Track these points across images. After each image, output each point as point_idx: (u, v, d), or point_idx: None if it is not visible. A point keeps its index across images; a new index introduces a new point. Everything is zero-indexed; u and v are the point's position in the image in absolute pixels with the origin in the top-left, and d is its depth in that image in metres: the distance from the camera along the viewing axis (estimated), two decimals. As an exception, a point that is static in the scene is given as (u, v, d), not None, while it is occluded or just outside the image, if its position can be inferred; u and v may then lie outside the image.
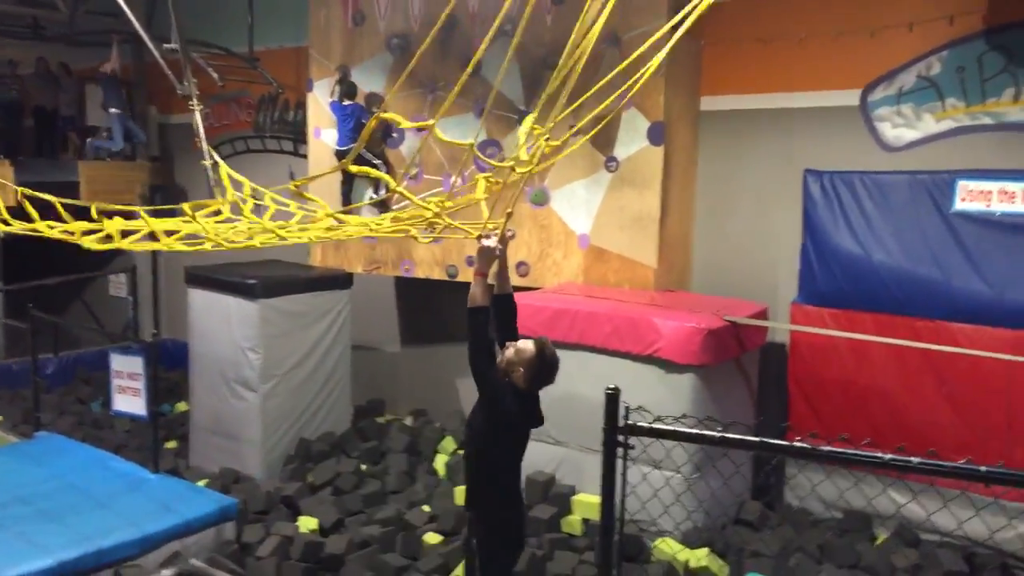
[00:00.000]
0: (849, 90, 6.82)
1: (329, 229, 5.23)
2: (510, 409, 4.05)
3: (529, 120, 4.13)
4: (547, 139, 4.14)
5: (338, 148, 8.34)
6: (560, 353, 6.61)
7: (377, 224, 5.48)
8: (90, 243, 4.47)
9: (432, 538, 6.37)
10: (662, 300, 6.82)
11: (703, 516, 6.18)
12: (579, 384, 6.60)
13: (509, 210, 4.32)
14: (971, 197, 6.14)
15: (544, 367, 4.01)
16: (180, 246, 4.62)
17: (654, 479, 6.26)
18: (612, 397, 2.59)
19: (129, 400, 6.81)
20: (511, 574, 4.27)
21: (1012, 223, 5.96)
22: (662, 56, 3.82)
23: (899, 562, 5.70)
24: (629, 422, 2.75)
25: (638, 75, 3.91)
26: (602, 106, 4.15)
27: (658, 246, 7.23)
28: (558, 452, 6.80)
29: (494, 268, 4.31)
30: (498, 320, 4.26)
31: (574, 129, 5.05)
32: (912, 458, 2.42)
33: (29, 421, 8.69)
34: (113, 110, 10.66)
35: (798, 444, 2.67)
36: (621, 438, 2.69)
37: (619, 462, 2.88)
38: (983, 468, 2.40)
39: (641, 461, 6.27)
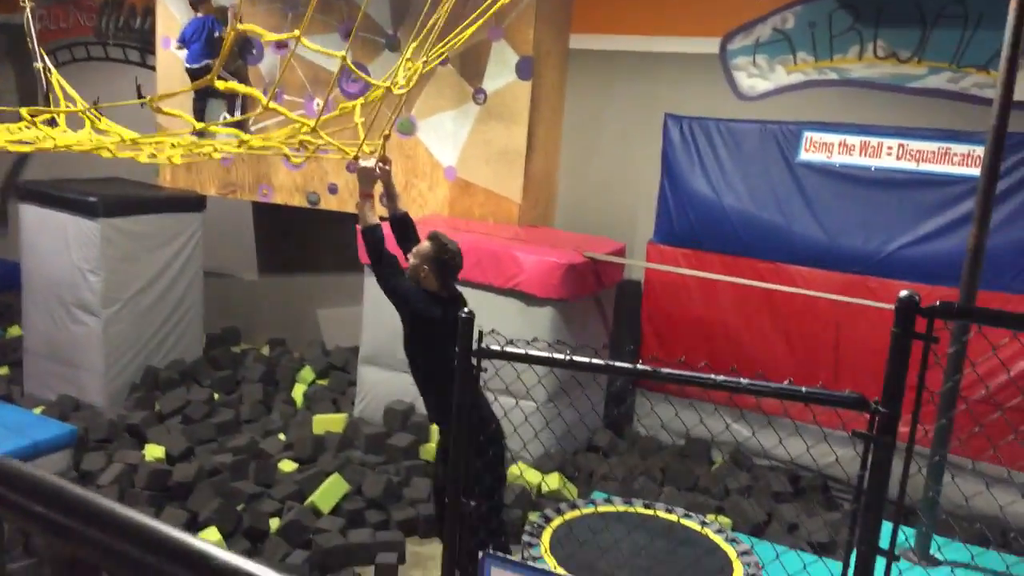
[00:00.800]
0: (710, 37, 7.04)
1: (192, 145, 4.95)
2: (435, 316, 4.03)
3: (411, 48, 4.04)
4: (421, 65, 4.06)
5: (189, 66, 7.79)
6: (423, 283, 6.71)
7: (246, 141, 5.22)
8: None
9: (287, 465, 6.31)
10: (525, 235, 6.92)
11: (554, 442, 6.42)
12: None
13: (386, 132, 4.25)
14: (815, 148, 6.53)
15: (446, 255, 4.03)
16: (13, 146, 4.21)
17: (506, 405, 6.45)
18: (467, 321, 2.61)
19: (-49, 322, 6.27)
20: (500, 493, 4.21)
21: (849, 174, 6.40)
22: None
23: (732, 484, 6.16)
24: (483, 346, 2.79)
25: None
26: (470, 30, 4.07)
27: (523, 182, 7.29)
28: (417, 382, 6.84)
29: (379, 190, 4.28)
30: (399, 241, 4.30)
31: (442, 55, 4.95)
32: (741, 379, 2.59)
33: None
34: None
35: (641, 368, 2.80)
36: (475, 361, 2.73)
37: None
38: (803, 389, 2.61)
39: (495, 389, 6.49)
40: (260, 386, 7.74)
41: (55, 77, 5.36)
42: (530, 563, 2.69)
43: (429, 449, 6.58)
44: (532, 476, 6.15)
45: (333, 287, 8.48)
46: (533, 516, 5.49)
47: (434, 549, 5.65)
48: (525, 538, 3.44)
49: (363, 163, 4.16)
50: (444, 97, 7.46)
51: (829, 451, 5.82)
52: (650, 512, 4.33)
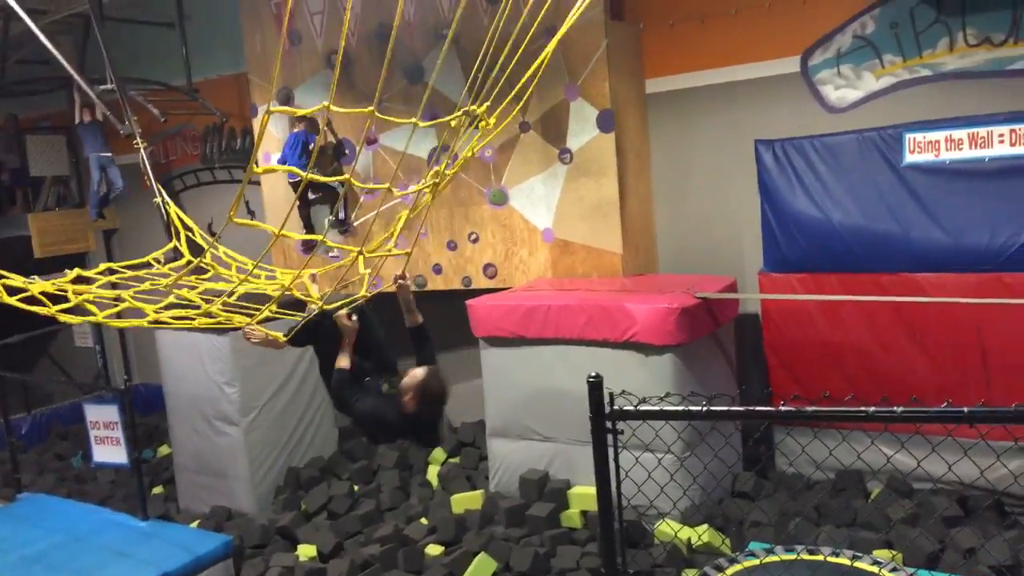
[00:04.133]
0: (788, 57, 6.91)
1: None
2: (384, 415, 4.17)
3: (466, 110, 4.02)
4: (486, 124, 4.10)
5: (291, 181, 8.22)
6: (538, 349, 6.75)
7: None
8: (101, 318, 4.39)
9: (434, 549, 6.35)
10: (632, 285, 6.87)
11: (699, 493, 6.22)
12: (560, 378, 6.65)
13: (408, 251, 4.34)
14: (920, 149, 6.25)
15: (426, 395, 4.13)
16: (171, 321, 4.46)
17: (647, 462, 6.31)
18: (595, 385, 2.59)
19: (109, 450, 6.70)
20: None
21: (962, 169, 6.08)
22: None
23: (895, 513, 5.80)
24: (615, 407, 2.74)
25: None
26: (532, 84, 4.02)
27: (621, 232, 7.27)
28: (548, 448, 6.81)
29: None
30: (415, 349, 4.47)
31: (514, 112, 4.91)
32: (896, 408, 2.45)
33: (9, 484, 8.51)
34: (105, 154, 10.15)
35: (784, 408, 2.69)
36: (609, 425, 2.68)
37: (610, 449, 2.88)
38: (966, 409, 2.44)
39: (631, 446, 6.36)
40: (396, 472, 7.88)
41: (172, 210, 5.72)
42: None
43: (570, 516, 6.50)
44: (682, 532, 5.96)
45: (451, 364, 8.59)
46: (691, 574, 5.32)
47: (591, 619, 5.54)
48: None
49: (344, 321, 4.30)
50: (531, 163, 7.57)
51: (999, 466, 5.42)
52: (818, 558, 4.10)
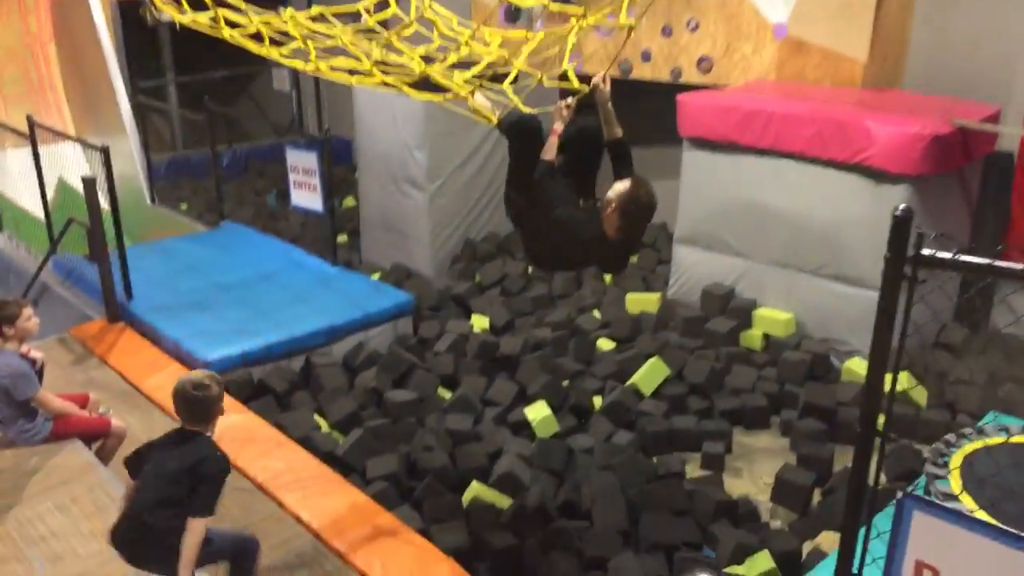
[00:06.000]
0: None
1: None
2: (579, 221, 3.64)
3: None
4: None
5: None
6: (750, 158, 6.18)
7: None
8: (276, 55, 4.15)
9: (605, 343, 6.29)
10: (873, 100, 6.02)
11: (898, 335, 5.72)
12: (769, 193, 6.12)
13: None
14: None
15: (633, 208, 3.51)
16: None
17: (848, 294, 5.85)
18: (902, 220, 2.07)
19: (306, 195, 6.88)
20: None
21: None
22: None
23: None
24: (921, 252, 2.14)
25: None
26: None
27: (871, 37, 6.29)
28: (739, 264, 6.42)
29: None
30: (614, 165, 3.86)
31: None
32: None
33: (212, 210, 9.11)
34: None
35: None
36: (909, 271, 2.15)
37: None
38: None
39: (827, 275, 5.87)
40: (571, 261, 7.75)
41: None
42: (944, 503, 2.28)
43: (750, 335, 6.21)
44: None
45: (645, 161, 8.14)
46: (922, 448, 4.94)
47: (760, 441, 5.39)
48: (929, 468, 2.99)
49: (560, 103, 3.68)
50: (776, -57, 6.56)
51: None
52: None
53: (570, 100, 3.75)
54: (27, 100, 9.72)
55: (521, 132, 3.70)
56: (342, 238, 9.13)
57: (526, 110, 3.81)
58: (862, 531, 2.41)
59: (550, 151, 3.67)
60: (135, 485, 3.02)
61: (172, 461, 2.92)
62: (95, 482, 3.84)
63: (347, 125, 10.00)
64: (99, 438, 4.23)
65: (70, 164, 8.02)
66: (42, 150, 6.98)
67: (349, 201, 10.02)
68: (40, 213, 7.29)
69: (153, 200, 9.17)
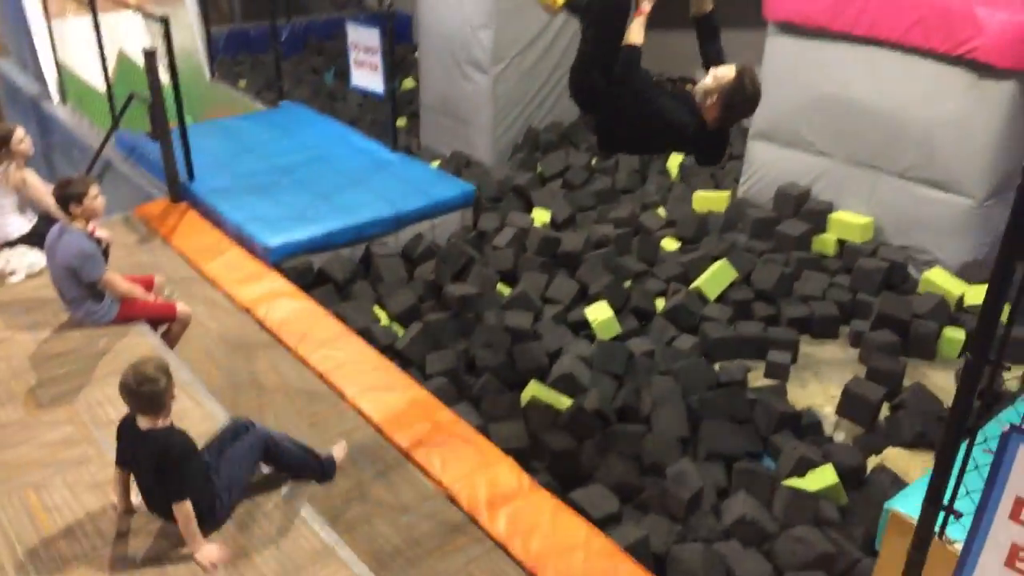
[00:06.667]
0: None
1: None
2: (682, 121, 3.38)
3: None
4: None
5: None
6: (842, 47, 5.73)
7: None
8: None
9: (670, 243, 6.09)
10: (985, -14, 5.46)
11: (987, 250, 5.40)
12: (860, 86, 5.70)
13: None
14: None
15: (740, 99, 3.28)
16: None
17: (935, 199, 5.49)
18: None
19: (366, 75, 6.63)
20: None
21: None
22: None
23: None
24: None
25: None
26: None
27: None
28: (818, 163, 6.07)
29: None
30: (701, 43, 3.62)
31: None
32: None
33: (271, 88, 8.93)
34: None
35: None
36: None
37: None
38: None
39: (917, 179, 5.51)
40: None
41: None
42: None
43: (824, 240, 5.93)
44: (953, 286, 5.29)
45: (726, 45, 7.66)
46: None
47: (828, 351, 5.21)
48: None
49: None
50: None
51: None
52: None
53: None
54: (84, -33, 9.48)
55: (611, 11, 3.42)
56: (401, 122, 8.90)
57: None
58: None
59: (637, 33, 3.40)
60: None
61: (143, 459, 2.86)
62: (162, 367, 3.88)
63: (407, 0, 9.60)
64: (165, 322, 4.26)
65: (129, 34, 7.86)
66: (102, 19, 6.81)
67: (408, 83, 9.73)
68: (101, 85, 7.21)
69: (213, 75, 9.00)
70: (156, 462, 2.81)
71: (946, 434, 2.25)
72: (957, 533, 2.35)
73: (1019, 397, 2.90)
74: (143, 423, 2.84)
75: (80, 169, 7.06)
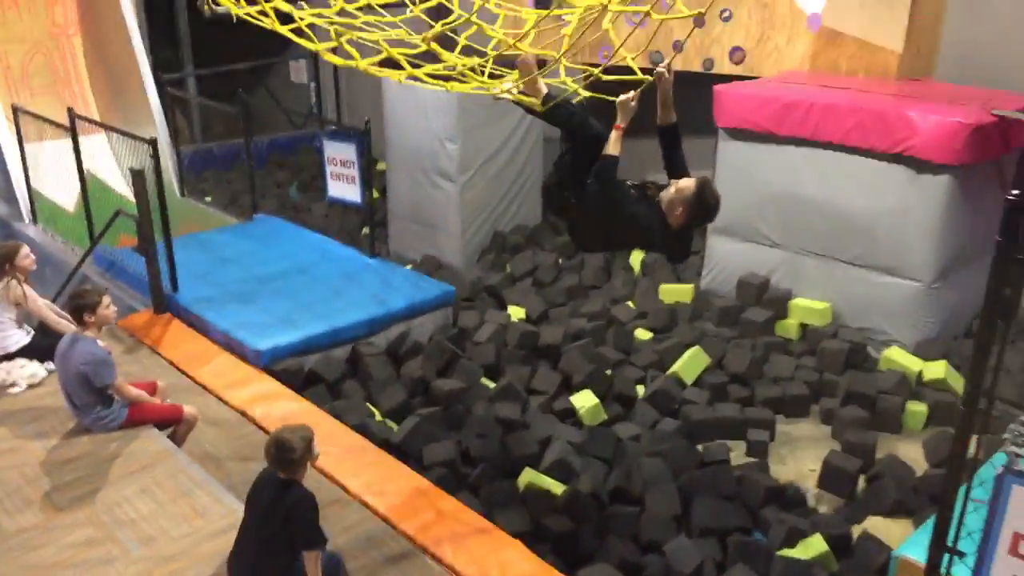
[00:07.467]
0: None
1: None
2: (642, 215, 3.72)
3: None
4: None
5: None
6: (788, 149, 6.25)
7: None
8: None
9: (643, 334, 6.37)
10: (911, 91, 6.08)
11: (939, 328, 5.81)
12: (808, 184, 6.18)
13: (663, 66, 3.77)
14: None
15: (701, 209, 3.66)
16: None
17: (886, 284, 5.90)
18: (1016, 208, 2.12)
19: (343, 187, 6.94)
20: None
21: None
22: None
23: None
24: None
25: None
26: None
27: (907, 27, 6.34)
28: (775, 255, 6.49)
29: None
30: (664, 150, 3.93)
31: None
32: None
33: (235, 203, 9.14)
34: None
35: None
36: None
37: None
38: None
39: (874, 267, 5.93)
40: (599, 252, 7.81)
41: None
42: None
43: (786, 325, 6.28)
44: (911, 362, 5.64)
45: (685, 149, 8.21)
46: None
47: (801, 429, 5.46)
48: (1012, 448, 3.06)
49: (624, 97, 3.73)
50: (810, -65, 6.61)
51: None
52: None
53: (633, 93, 3.80)
54: (52, 91, 9.75)
55: (592, 141, 3.75)
56: (365, 230, 9.18)
57: (583, 94, 3.88)
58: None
59: (615, 146, 3.72)
60: (243, 520, 3.25)
61: (271, 502, 3.13)
62: (176, 467, 3.91)
63: (362, 117, 10.03)
64: (172, 425, 4.31)
65: (95, 155, 8.02)
66: (70, 142, 7.02)
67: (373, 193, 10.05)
68: (65, 204, 7.34)
69: (182, 193, 9.22)
70: (288, 510, 3.05)
71: (946, 479, 2.48)
72: (962, 573, 2.54)
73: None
74: (282, 475, 3.14)
75: (54, 287, 7.10)
